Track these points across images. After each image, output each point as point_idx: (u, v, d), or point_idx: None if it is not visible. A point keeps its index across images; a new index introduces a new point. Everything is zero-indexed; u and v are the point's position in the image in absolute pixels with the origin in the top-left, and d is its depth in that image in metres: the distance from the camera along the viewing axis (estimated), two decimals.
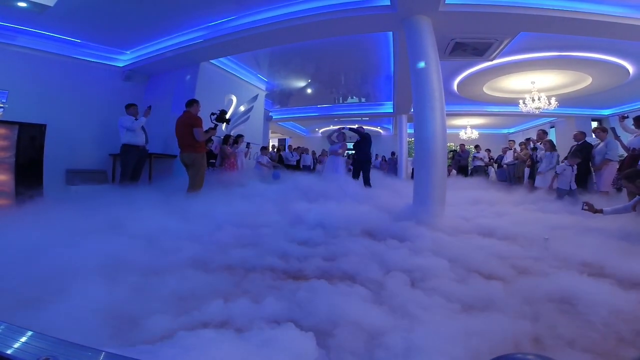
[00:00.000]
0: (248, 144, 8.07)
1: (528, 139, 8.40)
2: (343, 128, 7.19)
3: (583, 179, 6.15)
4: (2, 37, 5.48)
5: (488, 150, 11.16)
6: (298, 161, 11.29)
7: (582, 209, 3.65)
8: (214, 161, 7.06)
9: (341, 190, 5.52)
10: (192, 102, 4.90)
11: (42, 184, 4.76)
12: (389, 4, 4.55)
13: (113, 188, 5.68)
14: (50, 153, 5.07)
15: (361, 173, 6.93)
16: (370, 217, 4.04)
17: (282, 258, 2.61)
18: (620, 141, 5.68)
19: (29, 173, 4.60)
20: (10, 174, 4.44)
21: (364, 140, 7.03)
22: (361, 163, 6.99)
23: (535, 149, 7.37)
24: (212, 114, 5.11)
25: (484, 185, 8.26)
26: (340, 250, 2.81)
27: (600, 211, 3.58)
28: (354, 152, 7.33)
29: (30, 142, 4.67)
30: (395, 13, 4.55)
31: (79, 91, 6.46)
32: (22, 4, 4.75)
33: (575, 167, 5.59)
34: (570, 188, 5.58)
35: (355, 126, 7.55)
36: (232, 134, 7.70)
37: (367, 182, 6.75)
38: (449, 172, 10.57)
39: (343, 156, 7.28)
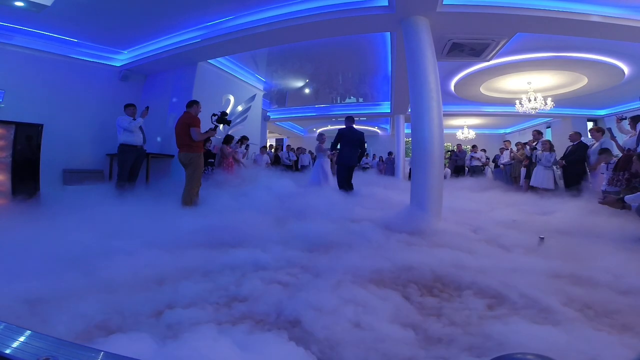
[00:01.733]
0: (247, 144, 8.10)
1: (525, 143, 8.43)
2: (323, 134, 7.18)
3: (579, 179, 6.20)
4: None
5: (484, 150, 11.20)
6: (296, 162, 11.24)
7: (599, 202, 3.43)
8: (213, 160, 7.05)
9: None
10: (192, 103, 4.89)
11: (38, 184, 4.75)
12: (387, 4, 4.55)
13: (107, 188, 5.65)
14: (47, 153, 5.05)
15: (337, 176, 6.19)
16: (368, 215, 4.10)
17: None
18: (616, 141, 5.73)
19: (25, 173, 4.59)
20: (7, 173, 4.42)
21: (340, 138, 6.12)
22: (344, 168, 6.12)
23: (534, 148, 7.42)
24: (214, 114, 5.12)
25: (481, 185, 8.32)
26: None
27: (622, 205, 3.15)
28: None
29: (27, 142, 4.65)
30: (393, 14, 4.55)
31: (76, 91, 6.44)
32: (19, 4, 4.72)
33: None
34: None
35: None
36: (229, 134, 7.69)
37: (341, 186, 6.06)
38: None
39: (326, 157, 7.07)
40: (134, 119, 5.56)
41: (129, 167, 5.57)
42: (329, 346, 1.39)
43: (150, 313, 1.66)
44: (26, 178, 4.56)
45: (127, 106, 5.65)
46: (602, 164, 5.49)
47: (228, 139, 7.22)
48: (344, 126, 6.24)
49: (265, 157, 9.38)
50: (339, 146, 6.20)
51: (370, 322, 1.57)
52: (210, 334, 1.34)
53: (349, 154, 6.09)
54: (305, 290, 1.89)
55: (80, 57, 6.46)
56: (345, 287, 1.95)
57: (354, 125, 6.34)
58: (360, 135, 6.22)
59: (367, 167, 13.41)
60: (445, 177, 10.05)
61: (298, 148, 12.22)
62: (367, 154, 15.49)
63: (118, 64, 7.00)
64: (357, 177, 6.62)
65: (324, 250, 2.84)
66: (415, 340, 1.46)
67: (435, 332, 1.53)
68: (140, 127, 5.69)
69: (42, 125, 4.86)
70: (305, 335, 1.48)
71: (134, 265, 2.25)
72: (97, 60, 6.74)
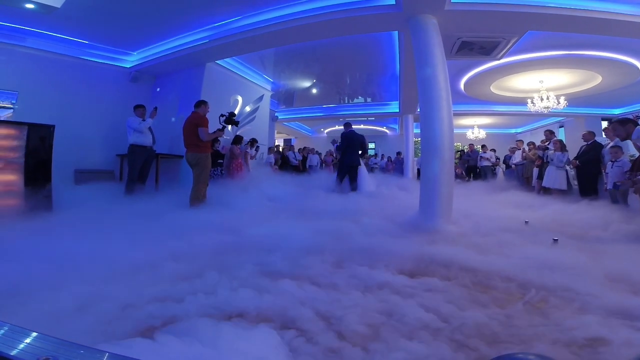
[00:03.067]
0: (257, 146, 8.13)
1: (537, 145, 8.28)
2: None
3: (593, 179, 6.06)
4: (11, 38, 5.57)
5: (493, 150, 11.03)
6: (303, 162, 11.16)
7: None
8: (222, 161, 7.08)
9: None
10: (200, 103, 4.92)
11: (50, 184, 4.81)
12: (394, 3, 4.51)
13: (117, 188, 5.73)
14: (59, 153, 5.11)
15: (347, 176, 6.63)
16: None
17: None
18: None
19: (38, 173, 4.65)
20: (20, 174, 4.49)
21: (347, 141, 6.66)
22: (345, 167, 6.64)
23: (546, 148, 7.28)
24: (222, 115, 5.14)
25: (492, 186, 8.21)
26: None
27: None
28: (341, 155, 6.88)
29: (39, 142, 4.72)
30: (401, 12, 4.51)
31: (86, 92, 6.53)
32: (29, 6, 4.81)
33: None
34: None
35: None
36: (238, 134, 7.72)
37: (340, 181, 6.59)
38: (461, 176, 10.43)
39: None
40: (144, 120, 5.63)
41: (138, 167, 5.63)
42: None
43: None
44: (39, 178, 4.62)
45: (136, 107, 5.71)
46: (609, 162, 5.37)
47: (237, 140, 7.25)
48: (345, 131, 6.81)
49: (271, 157, 9.43)
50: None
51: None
52: None
53: (352, 155, 6.70)
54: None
55: (90, 59, 6.56)
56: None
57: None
58: (361, 137, 6.87)
59: (375, 167, 13.33)
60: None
61: (304, 148, 12.15)
62: (376, 154, 15.47)
63: (128, 65, 7.09)
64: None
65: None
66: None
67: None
68: (150, 128, 5.75)
69: (54, 126, 4.92)
70: None
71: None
72: (108, 62, 6.83)
